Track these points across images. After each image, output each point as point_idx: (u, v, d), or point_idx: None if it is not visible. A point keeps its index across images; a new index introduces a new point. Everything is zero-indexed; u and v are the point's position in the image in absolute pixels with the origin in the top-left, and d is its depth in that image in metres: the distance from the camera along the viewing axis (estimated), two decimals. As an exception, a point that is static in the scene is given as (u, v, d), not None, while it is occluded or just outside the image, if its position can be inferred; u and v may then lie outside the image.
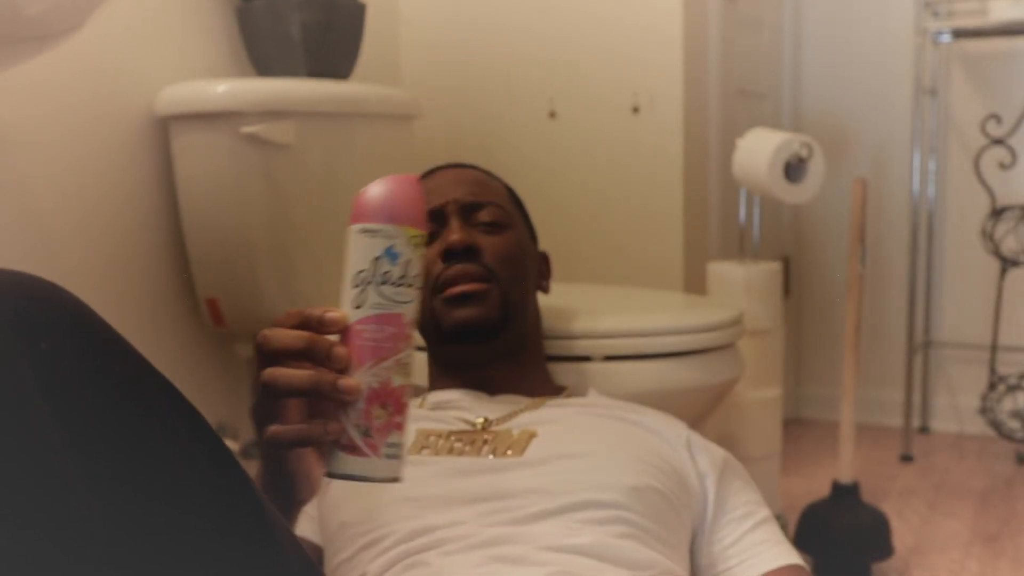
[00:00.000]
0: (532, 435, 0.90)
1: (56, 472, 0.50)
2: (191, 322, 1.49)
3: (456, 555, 0.77)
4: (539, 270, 1.11)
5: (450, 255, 0.99)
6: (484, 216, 1.03)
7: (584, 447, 0.89)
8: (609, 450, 0.89)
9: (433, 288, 1.00)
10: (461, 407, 0.98)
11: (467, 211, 1.02)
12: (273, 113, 1.37)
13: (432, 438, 0.92)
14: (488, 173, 1.10)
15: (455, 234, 0.99)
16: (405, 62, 2.01)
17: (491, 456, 0.88)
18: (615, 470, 0.85)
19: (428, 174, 1.09)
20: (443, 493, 0.84)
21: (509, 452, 0.88)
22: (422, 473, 0.87)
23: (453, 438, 0.92)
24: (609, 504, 0.82)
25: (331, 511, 0.88)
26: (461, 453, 0.90)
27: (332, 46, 1.52)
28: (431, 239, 1.02)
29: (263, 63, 1.52)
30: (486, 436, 0.91)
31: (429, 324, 1.02)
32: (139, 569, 0.51)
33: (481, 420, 0.94)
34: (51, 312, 0.54)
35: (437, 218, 1.02)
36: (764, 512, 0.92)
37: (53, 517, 0.49)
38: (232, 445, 1.50)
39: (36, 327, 0.53)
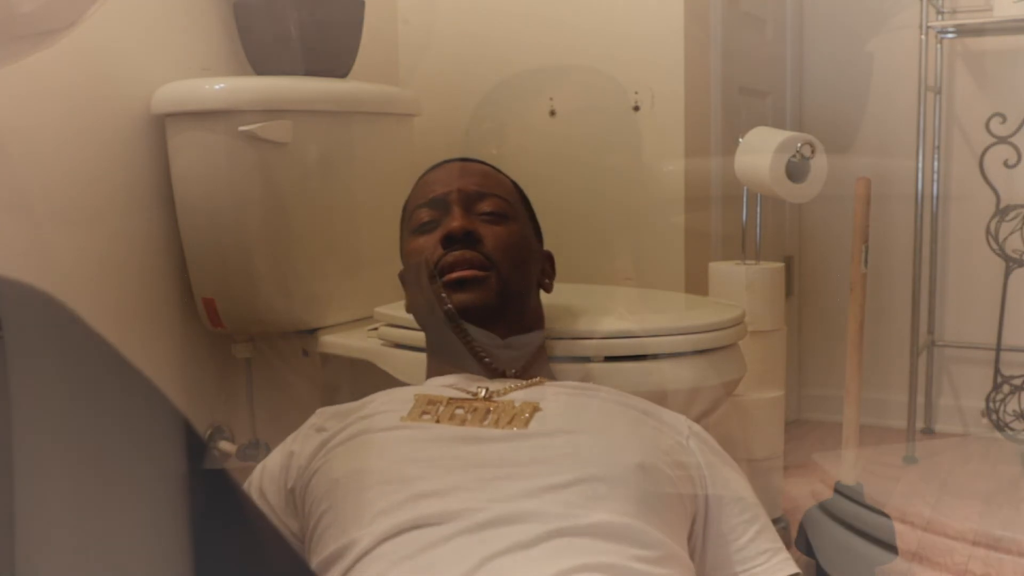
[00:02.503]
0: (535, 408, 0.89)
1: (38, 475, 0.50)
2: (188, 322, 1.48)
3: (460, 532, 0.74)
4: (543, 268, 1.11)
5: (450, 241, 0.99)
6: (486, 206, 1.03)
7: (588, 424, 0.88)
8: (614, 430, 0.88)
9: (433, 273, 0.99)
10: (460, 388, 0.97)
11: (470, 200, 1.03)
12: (270, 111, 1.37)
13: (432, 404, 0.91)
14: (495, 168, 1.11)
15: (456, 221, 1.00)
16: (404, 60, 1.99)
17: (494, 426, 0.87)
18: (621, 448, 0.84)
19: (435, 166, 1.09)
20: (444, 458, 0.82)
21: (512, 423, 0.87)
22: (422, 436, 0.86)
23: (454, 405, 0.90)
24: (616, 480, 0.80)
25: (323, 474, 0.86)
26: (463, 421, 0.88)
27: (330, 44, 1.51)
28: (433, 226, 1.02)
29: (260, 61, 1.51)
30: (489, 406, 0.90)
31: (430, 309, 1.01)
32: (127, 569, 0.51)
33: (483, 390, 0.93)
34: (38, 319, 0.54)
35: (440, 206, 1.03)
36: (764, 516, 0.93)
37: (39, 519, 0.49)
38: (229, 447, 1.49)
39: (22, 334, 0.53)
